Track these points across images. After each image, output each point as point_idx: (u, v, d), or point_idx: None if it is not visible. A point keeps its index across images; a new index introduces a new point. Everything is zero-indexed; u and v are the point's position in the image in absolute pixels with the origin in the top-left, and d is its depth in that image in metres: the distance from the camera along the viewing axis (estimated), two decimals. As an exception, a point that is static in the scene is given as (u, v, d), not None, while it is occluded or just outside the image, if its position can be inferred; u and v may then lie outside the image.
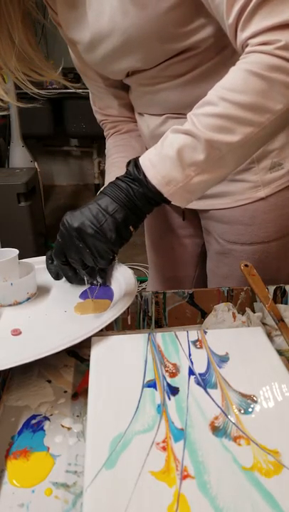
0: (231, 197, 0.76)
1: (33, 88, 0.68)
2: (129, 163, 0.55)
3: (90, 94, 0.84)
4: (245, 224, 0.77)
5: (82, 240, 0.54)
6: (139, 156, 0.55)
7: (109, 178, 0.78)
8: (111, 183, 0.56)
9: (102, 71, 0.72)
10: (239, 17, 0.49)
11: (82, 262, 0.57)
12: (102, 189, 0.57)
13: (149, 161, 0.52)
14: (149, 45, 0.61)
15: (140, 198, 0.53)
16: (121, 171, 0.77)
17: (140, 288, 1.95)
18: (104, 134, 0.87)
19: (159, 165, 0.51)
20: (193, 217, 0.87)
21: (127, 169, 0.55)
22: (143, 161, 0.53)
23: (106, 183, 0.77)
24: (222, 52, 0.61)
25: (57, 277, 0.69)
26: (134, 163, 0.54)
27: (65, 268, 0.63)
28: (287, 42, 0.46)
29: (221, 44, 0.61)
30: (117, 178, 0.55)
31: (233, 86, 0.49)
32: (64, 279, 0.71)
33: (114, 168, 0.79)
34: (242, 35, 0.50)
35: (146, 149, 0.82)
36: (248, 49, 0.49)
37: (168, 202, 0.54)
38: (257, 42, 0.48)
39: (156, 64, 0.64)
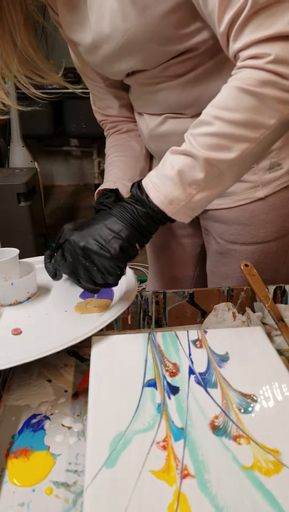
0: (230, 197, 0.76)
1: (35, 91, 0.68)
2: (132, 185, 0.56)
3: (90, 95, 0.84)
4: (244, 224, 0.77)
5: (89, 258, 0.54)
6: (142, 179, 0.56)
7: (108, 177, 0.78)
8: (117, 204, 0.57)
9: (102, 72, 0.73)
10: (230, 27, 0.50)
11: (92, 280, 0.57)
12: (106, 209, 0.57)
13: (151, 182, 0.54)
14: (148, 47, 0.61)
15: (145, 217, 0.54)
16: (119, 170, 0.77)
17: (140, 288, 1.95)
18: (105, 133, 0.88)
19: (160, 185, 0.53)
20: None
21: (131, 191, 0.56)
22: (145, 182, 0.54)
23: (104, 182, 0.77)
24: (221, 52, 0.61)
25: (55, 276, 0.70)
26: (138, 185, 0.55)
27: (81, 285, 0.61)
28: (277, 55, 0.47)
29: (220, 45, 0.61)
30: (123, 200, 0.57)
31: (226, 104, 0.50)
32: (63, 278, 0.71)
33: (112, 167, 0.79)
34: (234, 46, 0.50)
35: (146, 149, 0.83)
36: (239, 63, 0.50)
37: (172, 220, 0.55)
38: (247, 55, 0.49)
39: (157, 65, 0.64)
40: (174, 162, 0.52)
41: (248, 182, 0.74)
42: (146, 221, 0.54)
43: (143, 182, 0.55)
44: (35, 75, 0.66)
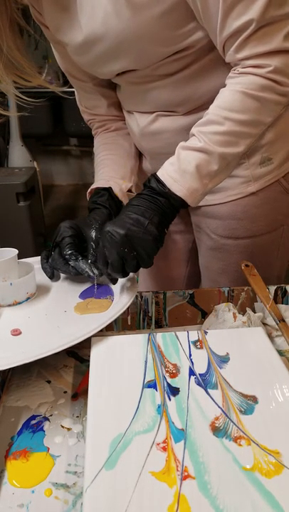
0: (223, 192, 0.76)
1: (24, 97, 0.68)
2: (149, 180, 0.61)
3: (76, 94, 0.83)
4: (237, 218, 0.78)
5: (131, 243, 0.58)
6: (155, 173, 0.61)
7: (99, 175, 0.77)
8: (137, 198, 0.61)
9: (92, 71, 0.72)
10: (232, 37, 0.56)
11: (122, 269, 0.60)
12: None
13: (171, 178, 0.60)
14: (143, 47, 0.61)
15: (168, 206, 0.60)
16: (110, 169, 0.77)
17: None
18: (92, 132, 0.87)
19: (181, 180, 0.59)
20: (184, 213, 0.87)
21: (149, 185, 0.61)
22: (164, 177, 0.60)
23: (96, 181, 0.76)
24: (214, 50, 0.62)
25: (52, 276, 0.69)
26: (156, 180, 0.60)
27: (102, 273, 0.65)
28: (276, 67, 0.56)
29: (213, 43, 0.62)
30: (140, 194, 0.61)
31: (233, 107, 0.58)
32: (62, 278, 0.71)
33: (103, 166, 0.79)
34: (236, 56, 0.58)
35: (136, 147, 0.82)
36: (241, 69, 0.58)
37: (186, 206, 0.61)
38: (250, 64, 0.57)
39: (149, 65, 0.64)
40: (189, 158, 0.59)
41: (240, 177, 0.75)
42: (169, 210, 0.61)
43: (161, 177, 0.60)
44: (19, 78, 0.66)
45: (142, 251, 0.58)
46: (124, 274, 0.61)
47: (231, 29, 0.55)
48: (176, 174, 0.59)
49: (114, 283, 0.64)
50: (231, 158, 0.60)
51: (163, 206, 0.60)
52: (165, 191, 0.59)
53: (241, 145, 0.59)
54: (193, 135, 0.60)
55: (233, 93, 0.58)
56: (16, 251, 0.69)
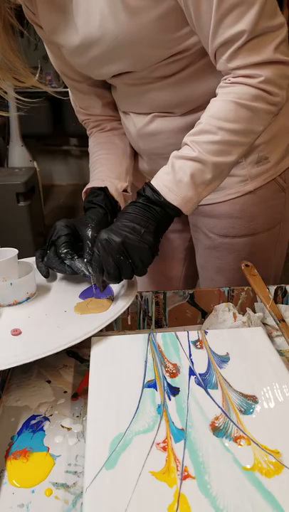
0: (221, 192, 0.77)
1: (21, 97, 0.68)
2: (144, 189, 0.62)
3: (71, 94, 0.83)
4: (235, 217, 0.78)
5: (127, 251, 0.58)
6: (149, 182, 0.61)
7: (94, 175, 0.77)
8: (131, 206, 0.61)
9: (87, 73, 0.71)
10: (223, 46, 0.57)
11: (118, 276, 0.60)
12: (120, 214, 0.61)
13: (166, 187, 0.60)
14: (139, 50, 0.61)
15: (163, 216, 0.61)
16: (105, 169, 0.77)
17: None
18: (88, 132, 0.86)
19: (176, 190, 0.60)
20: None
21: (144, 194, 0.61)
22: (160, 186, 0.61)
23: (91, 181, 0.76)
24: None
25: (47, 275, 0.69)
26: (151, 189, 0.61)
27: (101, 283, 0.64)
28: (267, 77, 0.57)
29: None
30: (135, 202, 0.61)
31: (226, 116, 0.59)
32: (61, 278, 0.71)
33: (98, 165, 0.78)
34: (227, 65, 0.58)
35: (130, 146, 0.82)
36: (233, 79, 0.59)
37: (181, 215, 0.62)
38: (241, 74, 0.58)
39: (147, 67, 0.64)
40: (184, 167, 0.59)
41: (237, 176, 0.75)
42: (164, 218, 0.61)
43: (156, 186, 0.61)
44: (14, 80, 0.64)
45: (137, 259, 0.59)
46: (119, 281, 0.61)
47: (223, 38, 0.56)
48: (171, 184, 0.60)
49: (102, 290, 0.64)
50: (224, 167, 0.61)
51: (158, 215, 0.60)
52: (160, 200, 0.60)
53: (234, 154, 0.60)
54: (186, 144, 0.61)
55: (226, 103, 0.59)
56: (16, 251, 0.69)
